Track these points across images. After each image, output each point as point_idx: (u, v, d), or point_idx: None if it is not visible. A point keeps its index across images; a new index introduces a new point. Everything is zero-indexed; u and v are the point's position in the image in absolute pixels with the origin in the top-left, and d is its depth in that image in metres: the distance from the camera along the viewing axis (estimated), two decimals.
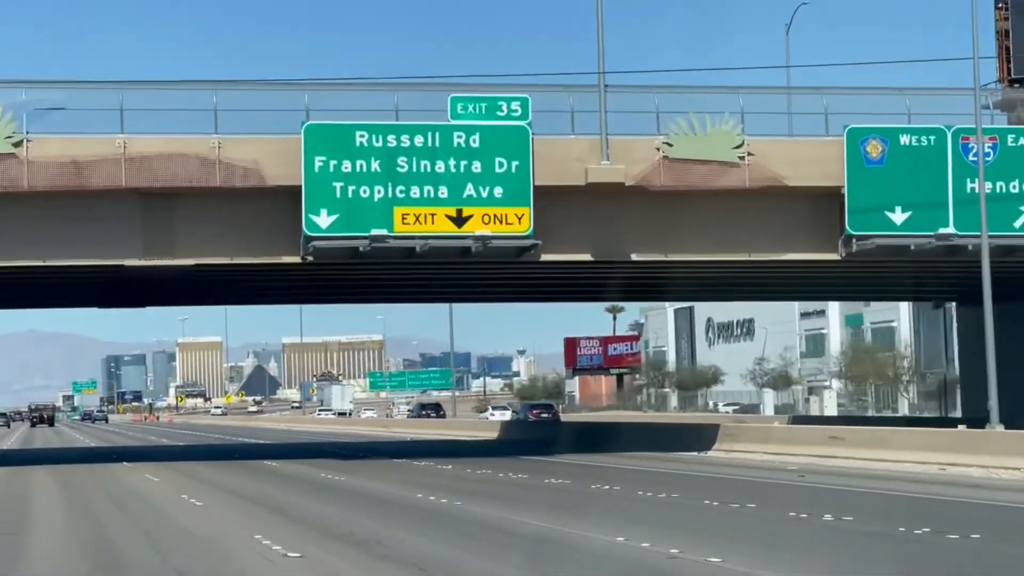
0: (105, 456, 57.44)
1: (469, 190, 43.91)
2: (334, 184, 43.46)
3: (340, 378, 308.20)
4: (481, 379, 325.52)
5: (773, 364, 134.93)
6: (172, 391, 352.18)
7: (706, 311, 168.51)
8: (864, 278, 51.87)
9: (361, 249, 43.75)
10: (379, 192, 43.62)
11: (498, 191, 43.98)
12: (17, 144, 42.41)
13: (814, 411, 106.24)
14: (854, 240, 44.71)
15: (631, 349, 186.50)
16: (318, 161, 43.39)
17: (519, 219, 44.07)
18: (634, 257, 45.90)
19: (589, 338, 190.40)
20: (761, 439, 44.99)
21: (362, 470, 41.10)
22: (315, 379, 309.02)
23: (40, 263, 43.93)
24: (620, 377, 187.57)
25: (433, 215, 43.86)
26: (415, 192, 43.73)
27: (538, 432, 67.36)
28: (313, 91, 44.40)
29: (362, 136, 43.59)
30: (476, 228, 43.80)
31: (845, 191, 44.56)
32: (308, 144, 43.28)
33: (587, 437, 57.77)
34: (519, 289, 54.86)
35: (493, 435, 72.91)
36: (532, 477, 35.85)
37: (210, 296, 57.00)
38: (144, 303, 57.73)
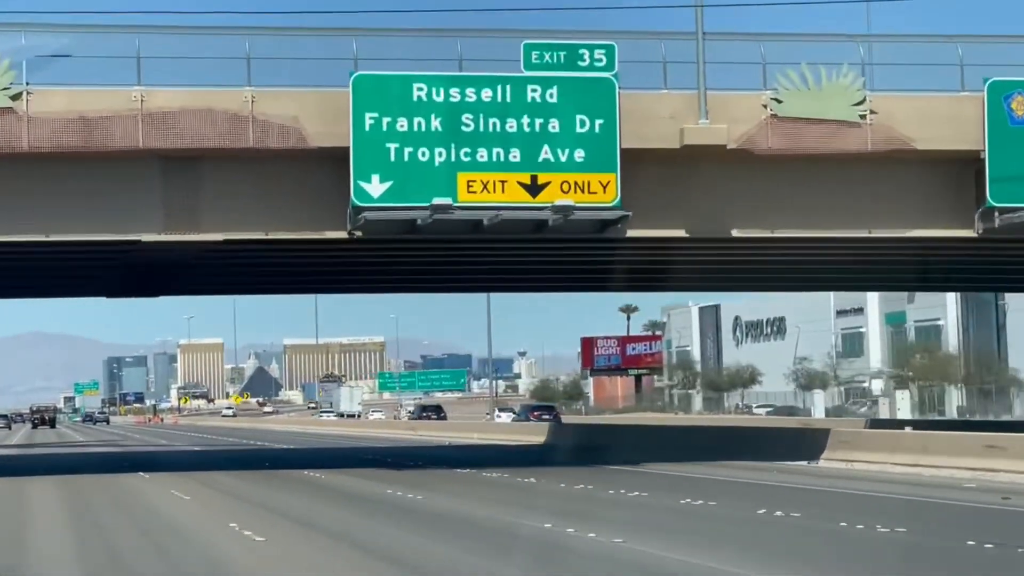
0: (117, 464, 50.70)
1: (545, 153, 37.41)
2: (388, 145, 36.96)
3: (343, 379, 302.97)
4: (482, 380, 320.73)
5: (817, 364, 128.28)
6: (174, 392, 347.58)
7: (733, 309, 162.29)
8: (998, 260, 45.08)
9: (420, 222, 37.26)
10: (440, 155, 37.12)
11: (579, 154, 37.48)
12: (15, 97, 35.96)
13: (883, 414, 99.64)
14: (996, 213, 38.15)
15: (650, 349, 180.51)
16: (369, 118, 36.89)
17: (604, 187, 37.56)
18: (735, 233, 39.35)
19: (607, 338, 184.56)
20: (888, 447, 38.33)
21: (430, 484, 34.45)
22: (318, 381, 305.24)
23: (42, 238, 37.39)
24: (638, 378, 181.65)
25: (504, 182, 37.36)
26: (482, 155, 37.23)
27: (592, 437, 60.80)
28: (363, 37, 37.75)
29: (420, 89, 37.09)
30: (554, 197, 37.30)
31: (985, 155, 37.92)
32: (357, 98, 36.79)
33: (658, 443, 51.17)
34: (596, 275, 48.01)
35: (537, 439, 66.29)
36: (654, 495, 29.18)
37: (237, 281, 50.11)
38: (159, 291, 51.10)
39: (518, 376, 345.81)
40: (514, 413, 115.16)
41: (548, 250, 41.69)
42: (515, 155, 37.30)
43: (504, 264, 45.12)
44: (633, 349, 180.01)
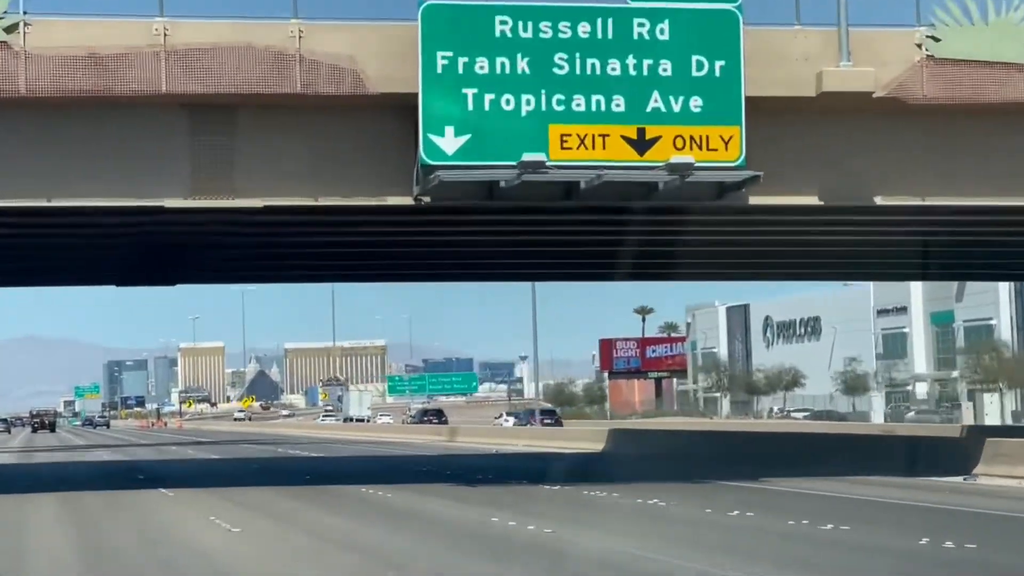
0: (130, 476, 43.63)
1: (655, 101, 30.71)
2: (464, 91, 30.28)
3: (346, 383, 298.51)
4: (485, 384, 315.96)
5: (868, 366, 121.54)
6: (175, 396, 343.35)
7: (763, 309, 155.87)
8: None
9: (503, 184, 30.57)
10: (528, 103, 30.44)
11: (696, 103, 30.79)
12: (10, 29, 29.34)
13: (967, 420, 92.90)
14: None
15: (671, 351, 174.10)
16: (442, 58, 30.22)
17: (725, 143, 30.86)
18: (878, 201, 32.62)
19: (626, 339, 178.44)
20: None
21: (534, 508, 27.37)
22: (321, 384, 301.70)
23: (44, 203, 30.66)
24: (658, 381, 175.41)
25: (605, 136, 30.66)
26: (579, 103, 30.54)
27: (661, 445, 53.92)
28: None
29: (504, 23, 30.41)
30: (665, 154, 30.58)
31: None
32: (428, 34, 30.11)
33: (753, 452, 44.46)
34: (701, 257, 41.00)
35: (593, 446, 59.48)
36: (858, 530, 22.06)
37: (271, 265, 42.69)
38: (178, 277, 44.26)
39: (518, 380, 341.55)
40: (517, 418, 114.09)
41: (646, 221, 34.80)
42: (618, 104, 30.64)
43: (595, 242, 38.03)
44: (653, 351, 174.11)
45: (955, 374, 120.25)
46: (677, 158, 30.26)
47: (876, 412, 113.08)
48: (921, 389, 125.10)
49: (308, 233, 36.02)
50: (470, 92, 30.28)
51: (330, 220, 33.69)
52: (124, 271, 43.50)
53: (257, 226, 34.40)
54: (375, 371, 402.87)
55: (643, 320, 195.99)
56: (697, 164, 30.36)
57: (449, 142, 30.27)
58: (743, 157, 30.70)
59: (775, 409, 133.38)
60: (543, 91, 30.43)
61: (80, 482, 40.36)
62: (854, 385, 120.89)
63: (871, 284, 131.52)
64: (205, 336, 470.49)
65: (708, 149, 30.74)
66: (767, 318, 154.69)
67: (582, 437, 64.94)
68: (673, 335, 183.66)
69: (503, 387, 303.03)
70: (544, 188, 31.02)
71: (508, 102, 30.35)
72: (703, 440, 54.21)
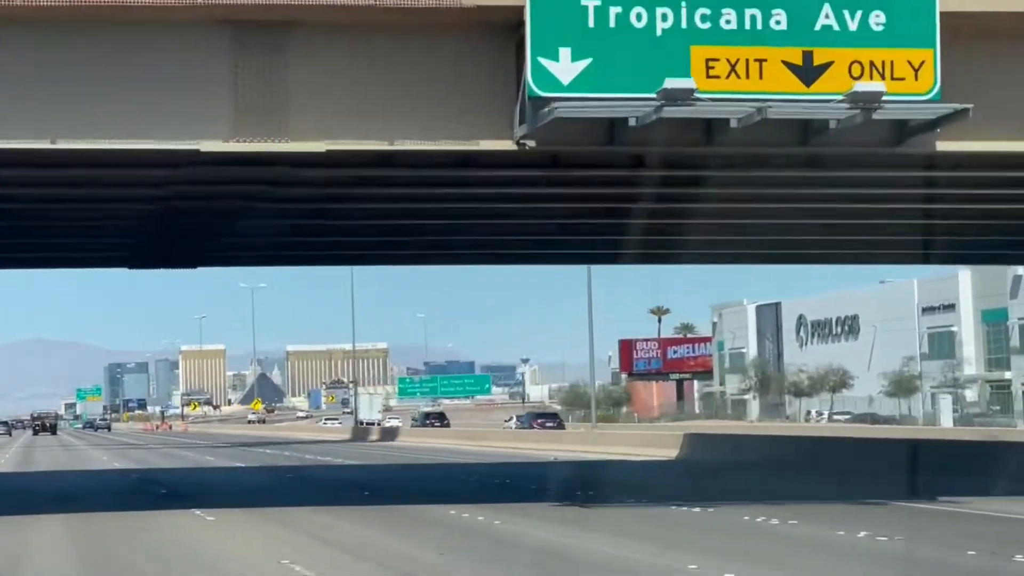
0: (149, 490, 36.47)
1: (825, 17, 24.15)
2: (584, 3, 23.67)
3: (353, 385, 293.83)
4: (496, 387, 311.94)
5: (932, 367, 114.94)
6: (176, 398, 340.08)
7: (796, 307, 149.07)
8: None
9: (633, 122, 23.82)
10: (665, 19, 23.82)
11: (877, 19, 24.21)
12: None
13: None
14: None
15: (693, 352, 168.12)
16: None
17: (915, 70, 24.23)
18: None
19: (646, 340, 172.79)
20: None
21: (718, 545, 20.25)
22: (324, 387, 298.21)
23: (47, 145, 23.91)
24: (679, 383, 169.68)
25: (761, 62, 24.05)
26: (728, 19, 23.95)
27: (750, 452, 47.13)
28: None
29: None
30: (840, 84, 23.94)
31: None
32: None
33: (859, 461, 37.81)
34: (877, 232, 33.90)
35: (666, 453, 52.82)
36: None
37: (320, 242, 35.10)
38: (201, 257, 37.53)
39: (520, 383, 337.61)
40: (517, 420, 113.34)
41: (804, 173, 27.96)
42: (779, 20, 24.05)
43: (718, 211, 30.86)
44: (675, 352, 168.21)
45: (1008, 375, 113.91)
46: (862, 85, 23.54)
47: (944, 415, 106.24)
48: (971, 391, 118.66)
49: (371, 198, 29.15)
50: (591, 4, 23.73)
51: (402, 177, 26.94)
52: (139, 249, 36.66)
53: (310, 185, 27.70)
54: (377, 374, 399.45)
55: (659, 321, 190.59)
56: (892, 97, 23.72)
57: (565, 68, 23.65)
58: (938, 88, 24.08)
59: (812, 412, 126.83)
60: (683, 3, 23.82)
61: (92, 500, 33.39)
62: (908, 387, 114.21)
63: (915, 280, 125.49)
64: (204, 338, 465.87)
65: (893, 78, 24.13)
66: (800, 317, 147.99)
67: (647, 442, 58.22)
68: (689, 336, 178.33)
69: (512, 389, 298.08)
70: (680, 129, 24.37)
71: (639, 17, 23.73)
72: (788, 446, 47.46)
